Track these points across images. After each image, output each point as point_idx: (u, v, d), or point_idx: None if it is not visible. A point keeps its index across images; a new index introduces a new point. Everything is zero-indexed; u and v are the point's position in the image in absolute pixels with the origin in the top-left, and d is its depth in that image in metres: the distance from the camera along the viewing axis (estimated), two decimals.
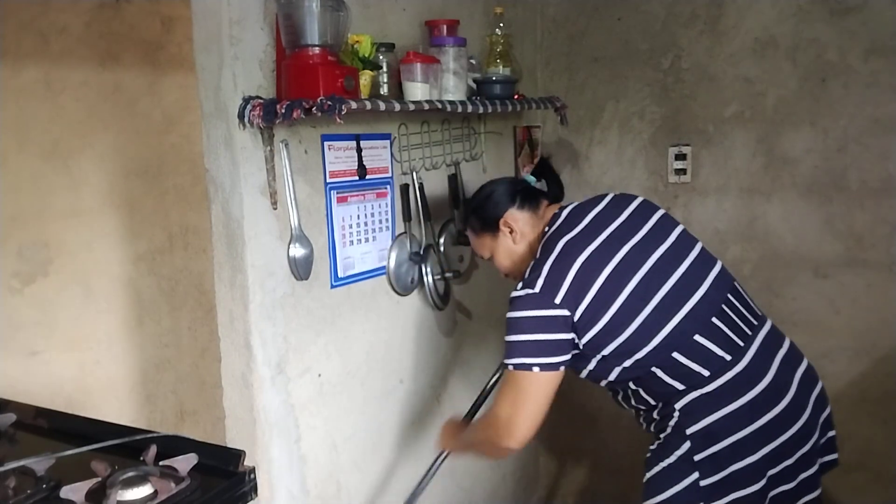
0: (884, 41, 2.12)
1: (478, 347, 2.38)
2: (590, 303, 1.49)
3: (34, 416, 1.61)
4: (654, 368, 1.52)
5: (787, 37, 2.24)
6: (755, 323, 1.60)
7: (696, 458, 1.49)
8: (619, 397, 1.67)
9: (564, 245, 1.56)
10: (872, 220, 2.20)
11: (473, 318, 2.35)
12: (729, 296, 1.59)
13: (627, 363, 1.53)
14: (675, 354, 1.50)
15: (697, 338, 1.51)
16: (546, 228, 1.66)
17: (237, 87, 1.51)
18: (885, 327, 2.22)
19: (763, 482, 1.50)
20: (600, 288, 1.50)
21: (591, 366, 1.57)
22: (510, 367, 1.52)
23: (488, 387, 2.01)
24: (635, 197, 1.69)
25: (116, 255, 2.51)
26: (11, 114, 2.21)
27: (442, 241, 2.11)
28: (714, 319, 1.53)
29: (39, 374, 2.32)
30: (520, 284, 1.55)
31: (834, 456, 1.65)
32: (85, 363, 2.45)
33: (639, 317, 1.50)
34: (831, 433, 1.64)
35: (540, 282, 1.51)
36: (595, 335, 1.51)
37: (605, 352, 1.52)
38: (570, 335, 1.51)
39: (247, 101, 1.51)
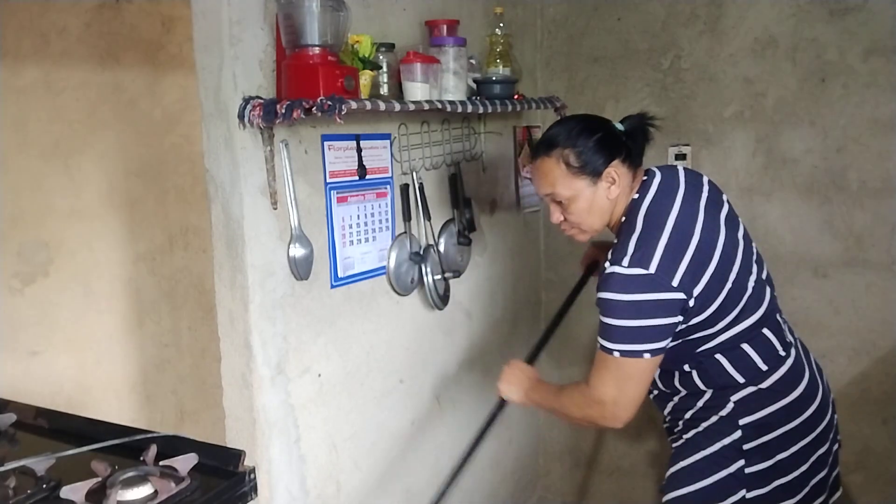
0: (883, 41, 2.12)
1: (478, 347, 2.38)
2: (706, 285, 1.40)
3: (34, 416, 1.62)
4: (718, 355, 1.48)
5: (787, 37, 2.24)
6: (785, 319, 1.63)
7: (746, 447, 1.48)
8: (658, 376, 1.56)
9: (676, 221, 1.42)
10: (872, 220, 2.20)
11: (473, 318, 2.35)
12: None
13: (704, 347, 1.46)
14: (744, 346, 1.48)
15: (765, 331, 1.50)
16: (636, 196, 1.51)
17: (237, 87, 1.51)
18: (885, 327, 2.22)
19: (806, 467, 1.52)
20: (715, 268, 1.41)
21: (667, 346, 1.44)
22: (615, 354, 1.39)
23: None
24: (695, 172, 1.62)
25: (116, 255, 2.51)
26: (11, 114, 2.21)
27: (442, 241, 2.11)
28: (777, 316, 1.55)
29: (39, 374, 2.32)
30: (625, 261, 1.38)
31: (839, 436, 1.69)
32: (85, 363, 2.45)
33: (741, 301, 1.45)
34: (836, 416, 1.68)
35: (655, 261, 1.36)
36: (703, 319, 1.43)
37: (699, 334, 1.45)
38: (679, 318, 1.41)
39: (247, 101, 1.51)
